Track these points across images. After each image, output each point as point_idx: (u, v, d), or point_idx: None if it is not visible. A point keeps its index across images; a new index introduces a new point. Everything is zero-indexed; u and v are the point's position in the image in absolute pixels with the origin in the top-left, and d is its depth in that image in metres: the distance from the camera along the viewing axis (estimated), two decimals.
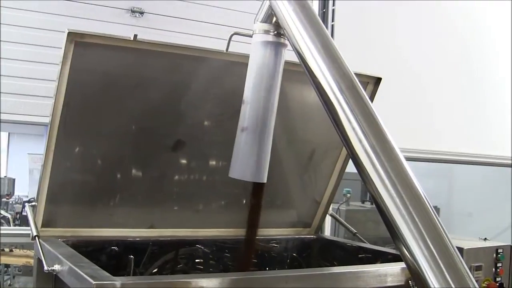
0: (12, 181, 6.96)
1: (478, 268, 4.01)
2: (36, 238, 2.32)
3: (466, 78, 5.39)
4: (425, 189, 1.47)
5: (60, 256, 2.06)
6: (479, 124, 5.43)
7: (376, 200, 1.49)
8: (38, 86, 3.80)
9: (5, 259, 4.59)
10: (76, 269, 1.86)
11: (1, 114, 3.76)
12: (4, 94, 3.75)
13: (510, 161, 5.50)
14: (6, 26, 3.77)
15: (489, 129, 5.50)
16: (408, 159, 1.53)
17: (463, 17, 5.40)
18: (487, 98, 5.52)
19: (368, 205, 6.11)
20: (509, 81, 5.59)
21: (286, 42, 2.02)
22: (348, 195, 5.80)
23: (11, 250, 4.66)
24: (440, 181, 7.84)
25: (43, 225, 2.48)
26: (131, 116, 2.53)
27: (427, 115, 5.13)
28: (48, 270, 2.07)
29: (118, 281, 1.73)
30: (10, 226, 5.89)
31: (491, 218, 6.81)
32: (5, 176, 6.97)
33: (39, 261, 2.23)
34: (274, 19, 1.99)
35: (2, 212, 6.00)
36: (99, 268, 1.88)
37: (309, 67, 1.67)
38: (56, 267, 2.05)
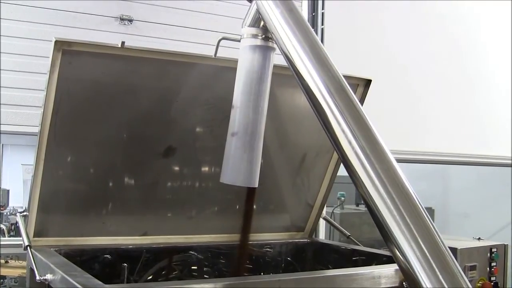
0: (6, 192, 6.90)
1: (472, 268, 4.01)
2: (28, 248, 2.31)
3: (459, 78, 5.40)
4: (420, 191, 1.46)
5: (52, 266, 2.05)
6: (473, 124, 5.44)
7: (367, 202, 1.48)
8: (28, 96, 3.79)
9: (1, 271, 4.55)
10: (68, 278, 1.86)
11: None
12: None
13: (509, 161, 5.50)
14: None
15: (483, 129, 5.50)
16: (402, 160, 1.53)
17: (454, 17, 5.41)
18: (481, 97, 5.53)
19: (362, 208, 6.10)
20: (504, 80, 5.59)
21: (274, 45, 2.02)
22: (342, 198, 5.79)
23: (6, 261, 4.63)
24: (435, 182, 7.83)
25: (35, 235, 2.47)
26: (121, 124, 2.52)
27: (420, 116, 5.13)
28: (40, 279, 2.06)
29: None
30: (5, 237, 5.86)
31: (487, 218, 6.80)
32: None
33: (32, 271, 2.22)
34: (262, 23, 1.99)
35: None
36: (91, 276, 1.88)
37: (298, 70, 1.67)
38: (48, 276, 2.04)
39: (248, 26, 2.04)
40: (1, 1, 3.76)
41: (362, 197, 1.50)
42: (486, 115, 5.54)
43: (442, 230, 1.42)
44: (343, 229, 3.15)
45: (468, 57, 5.48)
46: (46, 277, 2.05)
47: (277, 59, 2.00)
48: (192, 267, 2.81)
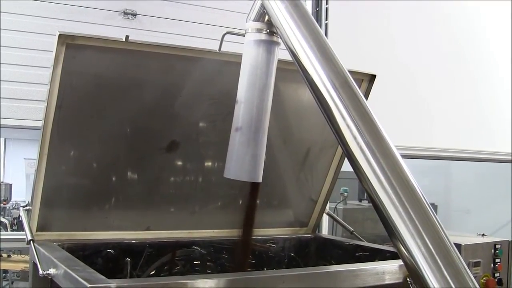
0: (9, 186, 6.91)
1: (476, 264, 4.01)
2: (31, 242, 2.31)
3: (461, 74, 5.39)
4: (423, 187, 1.46)
5: (55, 260, 2.04)
6: (475, 120, 5.43)
7: (372, 197, 1.47)
8: (31, 90, 3.78)
9: (3, 265, 4.56)
10: (71, 272, 1.85)
11: None
12: None
13: (509, 157, 5.49)
14: None
15: (485, 125, 5.50)
16: (405, 156, 1.52)
17: (458, 14, 5.40)
18: (483, 93, 5.52)
19: (365, 203, 6.09)
20: (507, 77, 5.58)
21: (279, 40, 2.01)
22: (346, 194, 5.77)
23: (9, 256, 4.64)
24: (438, 178, 7.83)
25: (38, 229, 2.47)
26: (125, 118, 2.52)
27: (423, 112, 5.12)
28: (43, 274, 2.05)
29: (113, 283, 1.72)
30: (7, 231, 5.88)
31: (489, 215, 6.80)
32: (2, 182, 6.92)
33: (35, 265, 2.22)
34: (267, 17, 1.98)
35: (0, 218, 5.98)
36: (94, 271, 1.87)
37: (303, 65, 1.66)
38: (52, 271, 2.04)
39: (253, 20, 2.03)
40: None
41: (367, 192, 1.49)
42: (489, 111, 5.53)
43: (444, 226, 1.41)
44: (346, 225, 3.14)
45: (472, 54, 5.47)
46: (49, 272, 2.05)
47: (282, 54, 1.99)
48: (195, 262, 2.80)
